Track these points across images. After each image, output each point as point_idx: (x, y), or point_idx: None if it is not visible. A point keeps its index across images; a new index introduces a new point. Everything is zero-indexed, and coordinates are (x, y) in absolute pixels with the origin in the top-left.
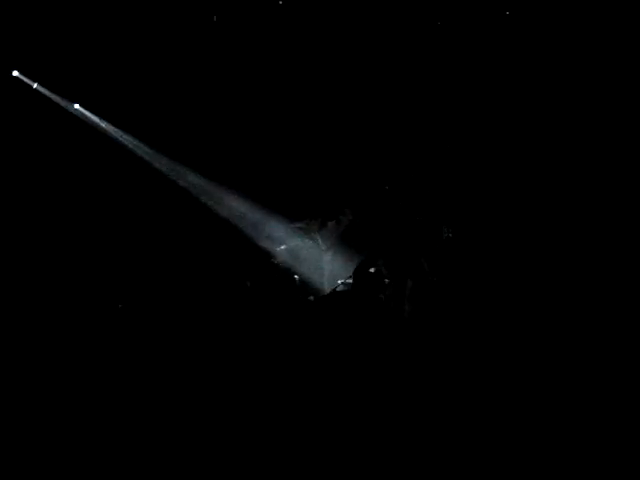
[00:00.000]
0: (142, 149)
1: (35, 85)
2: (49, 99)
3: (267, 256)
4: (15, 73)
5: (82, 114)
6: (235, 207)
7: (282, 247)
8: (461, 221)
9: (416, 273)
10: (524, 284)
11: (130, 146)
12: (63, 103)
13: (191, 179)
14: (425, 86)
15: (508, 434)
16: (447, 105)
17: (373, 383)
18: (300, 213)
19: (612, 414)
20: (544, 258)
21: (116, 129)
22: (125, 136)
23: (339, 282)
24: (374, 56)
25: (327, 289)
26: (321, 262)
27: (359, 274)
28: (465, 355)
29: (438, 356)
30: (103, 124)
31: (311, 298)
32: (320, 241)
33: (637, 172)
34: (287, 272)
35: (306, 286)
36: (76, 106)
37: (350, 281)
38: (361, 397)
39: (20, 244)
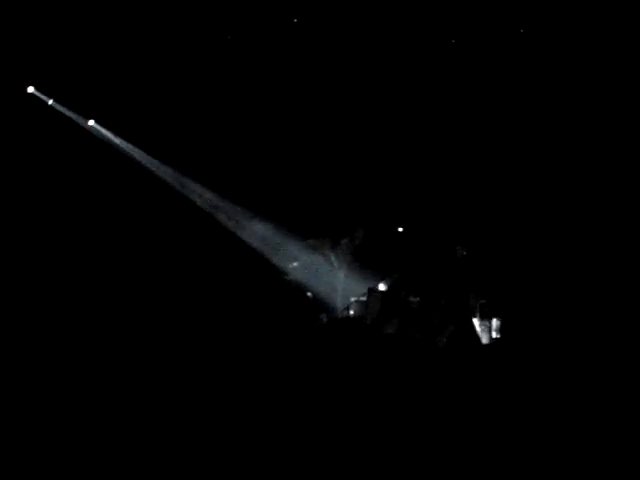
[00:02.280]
0: (162, 169)
1: (50, 102)
2: (64, 115)
3: (280, 273)
4: (30, 90)
5: (97, 130)
6: (250, 225)
7: (295, 264)
8: (474, 238)
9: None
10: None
11: (151, 167)
12: (79, 120)
13: (206, 196)
14: (439, 100)
15: (508, 434)
16: (460, 119)
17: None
18: (314, 230)
19: (612, 414)
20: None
21: (135, 148)
22: (147, 157)
23: (352, 299)
24: (387, 71)
25: (340, 306)
26: (334, 279)
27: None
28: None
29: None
30: (117, 140)
31: (323, 316)
32: (333, 258)
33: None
34: (300, 289)
35: (319, 303)
36: (91, 122)
37: (363, 299)
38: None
39: (32, 251)
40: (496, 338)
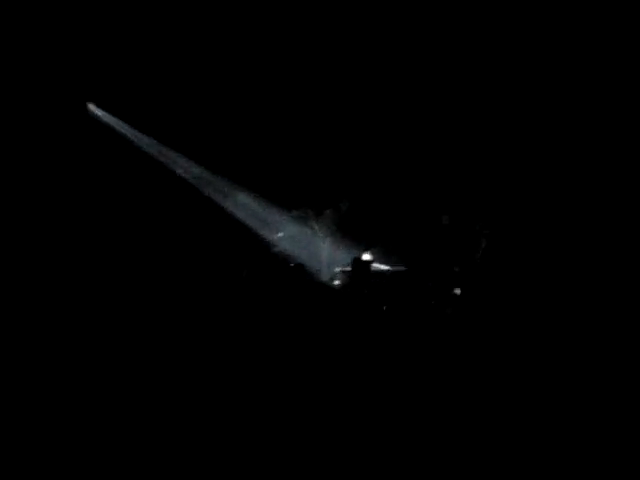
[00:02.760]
0: (146, 142)
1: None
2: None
3: (265, 244)
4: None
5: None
6: (235, 196)
7: (280, 235)
8: (461, 208)
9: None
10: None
11: (135, 140)
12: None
13: (191, 169)
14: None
15: (508, 434)
16: (444, 95)
17: (371, 377)
18: (298, 201)
19: (612, 414)
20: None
21: (118, 121)
22: (130, 130)
23: (337, 269)
24: (367, 52)
25: (325, 276)
26: (319, 249)
27: (357, 263)
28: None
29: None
30: (99, 112)
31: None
32: (318, 229)
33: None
34: (285, 259)
35: (304, 273)
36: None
37: (348, 268)
38: (359, 390)
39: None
40: (477, 307)
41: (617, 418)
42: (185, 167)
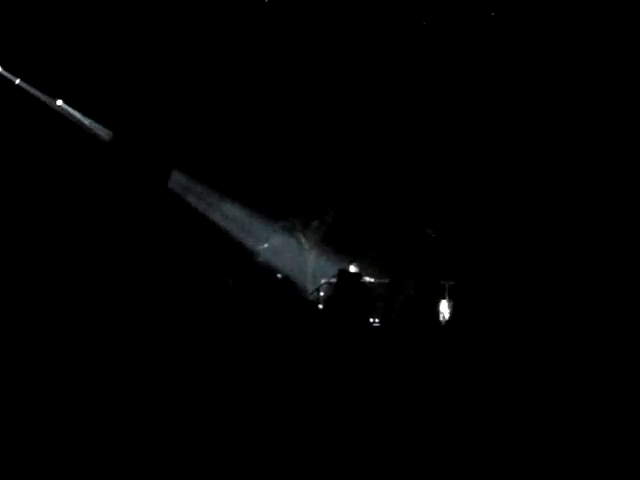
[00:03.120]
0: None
1: (18, 81)
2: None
3: (250, 254)
4: None
5: (65, 110)
6: (220, 206)
7: (265, 245)
8: (445, 221)
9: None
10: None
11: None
12: (47, 100)
13: (177, 179)
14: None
15: (507, 434)
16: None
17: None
18: (284, 212)
19: (612, 414)
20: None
21: (103, 129)
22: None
23: (323, 281)
24: (353, 51)
25: (310, 287)
26: (305, 261)
27: (343, 275)
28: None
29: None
30: (86, 120)
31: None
32: (304, 240)
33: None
34: (270, 270)
35: (289, 284)
36: (59, 102)
37: (333, 280)
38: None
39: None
40: (463, 319)
41: (617, 418)
42: (171, 176)
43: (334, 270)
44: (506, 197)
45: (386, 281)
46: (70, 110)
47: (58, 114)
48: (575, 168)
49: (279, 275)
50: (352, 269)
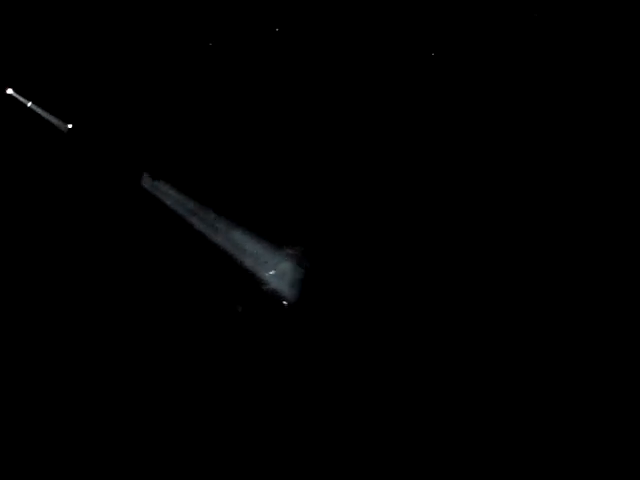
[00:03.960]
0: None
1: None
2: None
3: (256, 282)
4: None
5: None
6: (227, 232)
7: (272, 272)
8: None
9: None
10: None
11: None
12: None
13: (182, 202)
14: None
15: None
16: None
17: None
18: (290, 239)
19: (612, 414)
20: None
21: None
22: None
23: None
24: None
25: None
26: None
27: None
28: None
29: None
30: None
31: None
32: (310, 267)
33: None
34: (276, 298)
35: (295, 312)
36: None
37: None
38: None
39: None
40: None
41: (617, 418)
42: (174, 198)
43: None
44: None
45: None
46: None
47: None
48: (572, 166)
49: (285, 302)
50: None
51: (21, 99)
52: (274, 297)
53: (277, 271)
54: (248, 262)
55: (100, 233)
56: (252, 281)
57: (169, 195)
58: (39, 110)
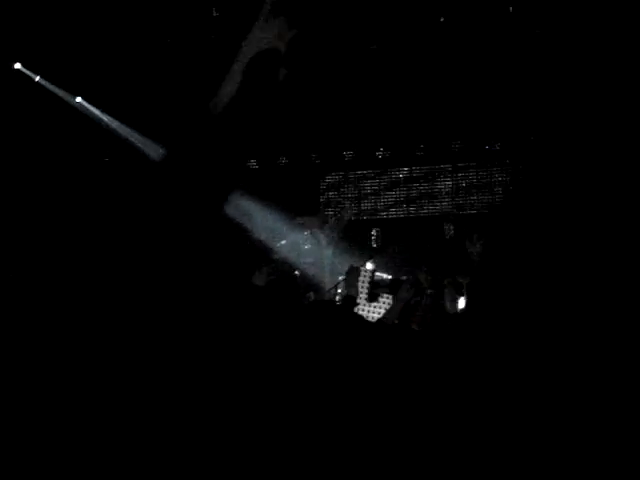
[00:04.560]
0: (148, 145)
1: (37, 78)
2: (51, 92)
3: (268, 252)
4: (17, 66)
5: (84, 107)
6: (237, 202)
7: (283, 242)
8: (463, 218)
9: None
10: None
11: (134, 142)
12: (65, 96)
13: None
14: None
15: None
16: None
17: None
18: (301, 209)
19: (612, 414)
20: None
21: (119, 123)
22: (127, 130)
23: (340, 278)
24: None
25: (328, 285)
26: (322, 258)
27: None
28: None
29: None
30: (105, 118)
31: (311, 294)
32: (321, 237)
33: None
34: (288, 268)
35: (307, 282)
36: (78, 99)
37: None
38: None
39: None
40: (482, 318)
41: (617, 418)
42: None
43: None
44: (522, 194)
45: (404, 278)
46: (90, 107)
47: (77, 111)
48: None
49: (296, 272)
50: (369, 266)
51: (29, 73)
52: (285, 267)
53: (287, 241)
54: (258, 232)
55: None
56: (263, 251)
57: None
58: (48, 85)
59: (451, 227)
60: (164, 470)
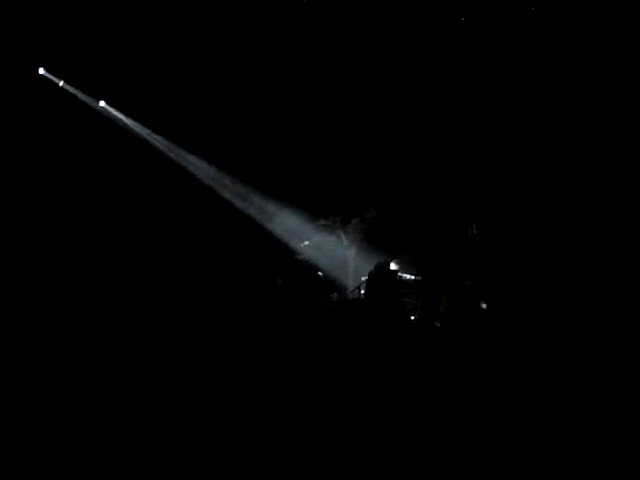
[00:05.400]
0: (171, 149)
1: (61, 83)
2: (75, 97)
3: (292, 253)
4: (41, 71)
5: (108, 112)
6: (263, 205)
7: (307, 243)
8: (485, 218)
9: (455, 289)
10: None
11: (159, 146)
12: (89, 101)
13: (219, 178)
14: (445, 84)
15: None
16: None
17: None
18: (325, 210)
19: (612, 414)
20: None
21: (142, 127)
22: (152, 134)
23: (363, 278)
24: (394, 61)
25: (351, 285)
26: (345, 258)
27: (378, 275)
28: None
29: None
30: (128, 121)
31: (334, 295)
32: (344, 238)
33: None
34: (312, 268)
35: (330, 282)
36: (102, 103)
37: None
38: (369, 401)
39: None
40: (502, 320)
41: (617, 418)
42: (209, 173)
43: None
44: (545, 198)
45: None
46: (113, 111)
47: (101, 115)
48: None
49: (320, 273)
50: (393, 266)
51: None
52: (308, 267)
53: (311, 242)
54: (283, 233)
55: None
56: (286, 252)
57: (198, 166)
58: (72, 89)
59: (473, 228)
60: (165, 464)
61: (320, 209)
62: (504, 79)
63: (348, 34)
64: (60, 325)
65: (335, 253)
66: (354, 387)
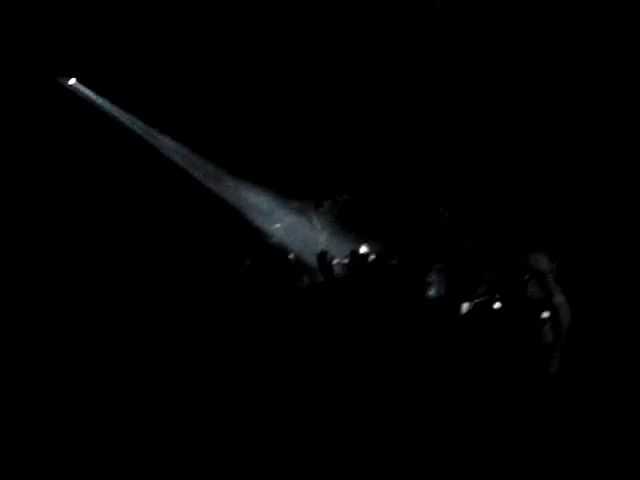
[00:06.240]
0: (146, 130)
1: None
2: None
3: (262, 235)
4: (72, 82)
5: (77, 89)
6: (232, 187)
7: (277, 226)
8: (457, 201)
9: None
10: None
11: (131, 125)
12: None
13: (191, 159)
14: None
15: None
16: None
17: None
18: (296, 192)
19: (612, 414)
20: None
21: (112, 105)
22: (130, 117)
23: (334, 262)
24: (369, 45)
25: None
26: (316, 241)
27: (355, 257)
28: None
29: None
30: (100, 100)
31: (305, 277)
32: (316, 220)
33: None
34: (282, 251)
35: (301, 265)
36: (72, 81)
37: (345, 261)
38: (355, 387)
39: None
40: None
41: (617, 418)
42: (184, 155)
43: (345, 251)
44: (517, 181)
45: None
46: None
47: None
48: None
49: (291, 256)
50: (363, 250)
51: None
52: (279, 250)
53: (282, 224)
54: (253, 216)
55: None
56: (258, 235)
57: (169, 146)
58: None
59: (445, 211)
60: (166, 461)
61: (292, 191)
62: (482, 69)
63: (325, 15)
64: (54, 318)
65: (306, 236)
66: (326, 374)
